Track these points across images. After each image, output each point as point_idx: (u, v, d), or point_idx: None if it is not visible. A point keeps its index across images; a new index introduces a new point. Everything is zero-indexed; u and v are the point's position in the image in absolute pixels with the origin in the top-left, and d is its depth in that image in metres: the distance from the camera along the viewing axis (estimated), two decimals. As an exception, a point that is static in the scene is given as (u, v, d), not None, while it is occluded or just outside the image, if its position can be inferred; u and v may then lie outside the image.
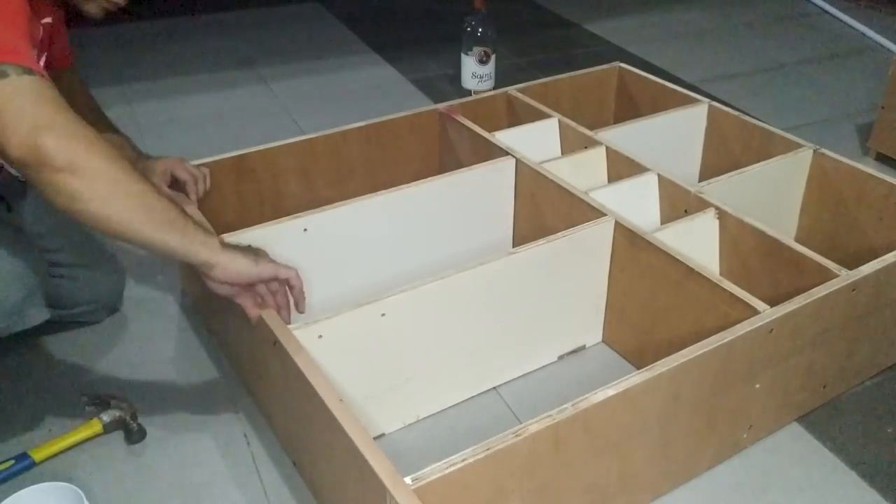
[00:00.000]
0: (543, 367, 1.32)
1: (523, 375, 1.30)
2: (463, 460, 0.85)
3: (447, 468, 0.83)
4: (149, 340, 1.38)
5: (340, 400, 0.91)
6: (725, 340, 1.01)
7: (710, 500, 1.10)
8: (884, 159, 1.96)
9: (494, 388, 1.28)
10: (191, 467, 1.14)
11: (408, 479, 0.81)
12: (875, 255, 1.21)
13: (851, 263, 1.17)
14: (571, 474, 0.96)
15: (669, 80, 1.82)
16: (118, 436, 1.19)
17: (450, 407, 1.24)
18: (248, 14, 2.96)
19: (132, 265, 1.57)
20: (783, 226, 1.54)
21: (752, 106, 2.24)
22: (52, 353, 1.35)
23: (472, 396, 1.26)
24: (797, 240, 1.55)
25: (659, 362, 0.97)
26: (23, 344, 1.37)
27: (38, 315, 1.13)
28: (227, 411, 1.23)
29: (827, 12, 3.05)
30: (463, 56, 2.19)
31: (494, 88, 2.12)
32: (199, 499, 1.09)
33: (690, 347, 1.00)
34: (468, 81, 2.22)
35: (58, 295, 1.26)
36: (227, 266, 0.98)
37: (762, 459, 1.16)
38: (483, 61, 2.17)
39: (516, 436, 0.88)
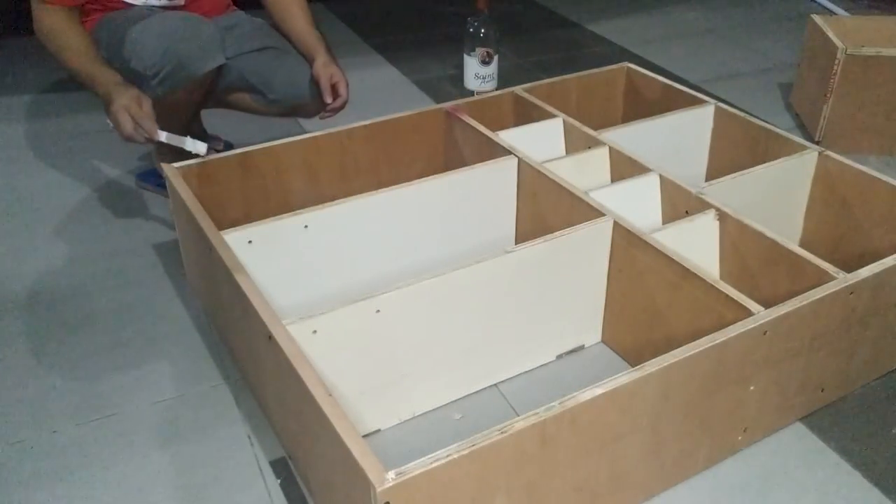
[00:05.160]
0: (542, 366, 1.32)
1: (521, 374, 1.30)
2: (447, 456, 0.85)
3: (431, 464, 0.84)
4: (152, 340, 1.40)
5: (329, 395, 0.92)
6: (717, 341, 1.01)
7: (714, 499, 1.10)
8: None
9: (495, 385, 1.28)
10: (195, 469, 1.15)
11: (391, 474, 0.82)
12: (880, 257, 1.20)
13: (856, 266, 1.16)
14: (559, 473, 0.96)
15: (672, 81, 1.81)
16: (121, 438, 1.20)
17: (447, 404, 1.25)
18: (250, 15, 2.97)
19: (135, 266, 1.60)
20: (788, 228, 1.53)
21: (753, 106, 2.23)
22: (53, 351, 1.38)
23: (470, 394, 1.27)
24: (802, 242, 1.55)
25: (648, 362, 0.97)
26: (24, 342, 1.39)
27: (219, 57, 1.53)
28: (231, 412, 1.24)
29: (832, 13, 3.02)
30: (465, 57, 2.20)
31: (497, 89, 2.12)
32: (203, 499, 1.10)
33: (681, 348, 1.00)
34: (471, 82, 2.23)
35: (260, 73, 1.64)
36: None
37: (766, 459, 1.16)
38: (486, 62, 2.18)
39: (501, 433, 0.88)
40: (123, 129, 1.41)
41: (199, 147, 1.47)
